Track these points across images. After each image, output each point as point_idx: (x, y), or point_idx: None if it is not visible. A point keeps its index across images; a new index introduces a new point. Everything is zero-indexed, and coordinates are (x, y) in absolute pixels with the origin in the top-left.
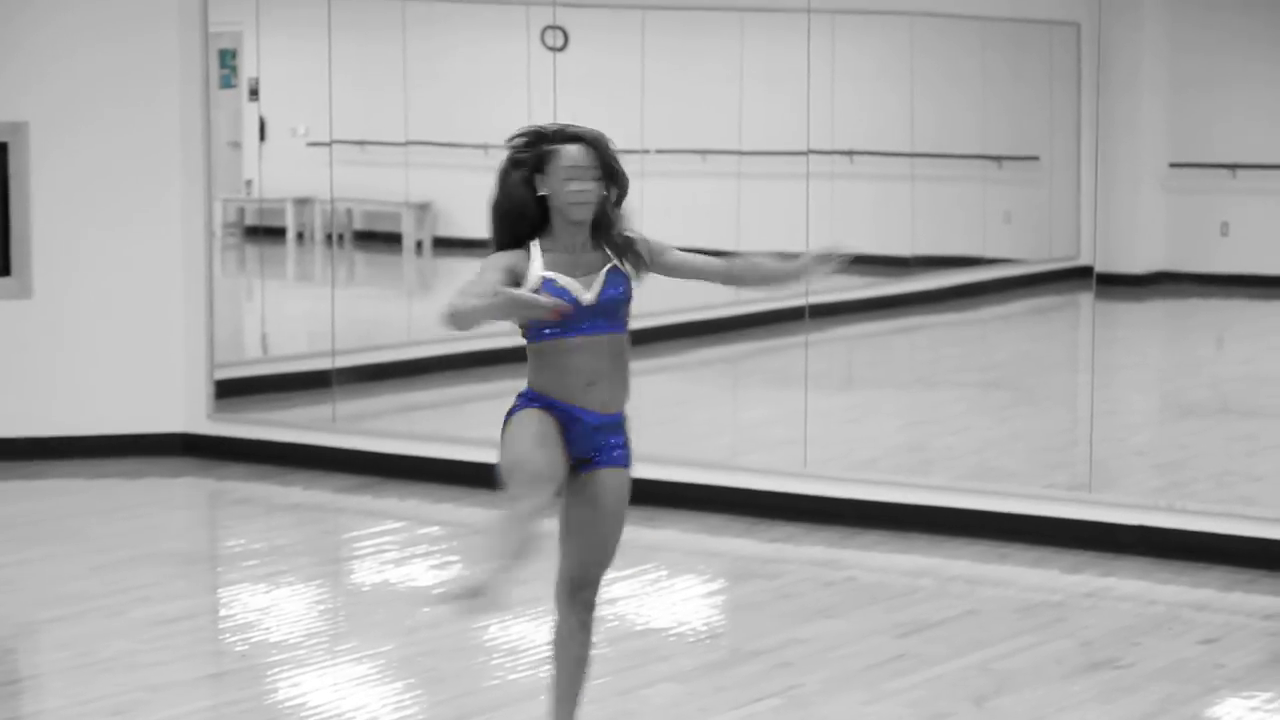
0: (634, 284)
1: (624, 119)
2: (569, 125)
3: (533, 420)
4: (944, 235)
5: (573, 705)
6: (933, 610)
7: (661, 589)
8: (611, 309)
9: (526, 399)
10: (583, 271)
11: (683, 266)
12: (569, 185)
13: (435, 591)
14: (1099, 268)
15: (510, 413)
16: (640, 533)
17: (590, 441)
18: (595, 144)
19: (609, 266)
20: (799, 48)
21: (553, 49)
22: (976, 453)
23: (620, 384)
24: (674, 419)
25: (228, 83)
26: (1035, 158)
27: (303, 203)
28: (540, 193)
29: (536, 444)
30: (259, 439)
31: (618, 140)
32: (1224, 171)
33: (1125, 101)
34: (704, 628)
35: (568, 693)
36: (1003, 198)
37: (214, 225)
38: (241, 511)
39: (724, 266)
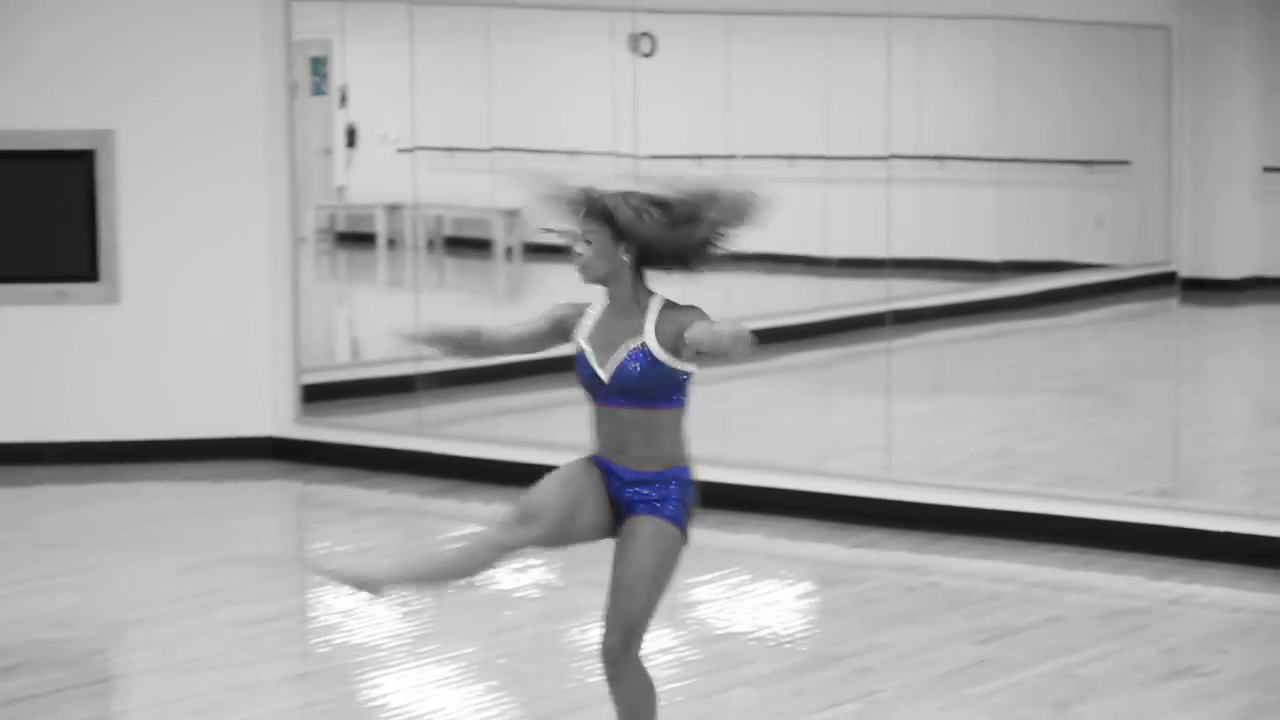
0: (678, 360)
1: (709, 125)
2: (589, 189)
3: (573, 465)
4: (1033, 240)
5: None
6: (1015, 616)
7: (743, 593)
8: (630, 387)
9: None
10: (617, 339)
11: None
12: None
13: (320, 562)
14: (1191, 273)
15: None
16: (722, 537)
17: (626, 492)
18: (587, 204)
19: (637, 342)
20: (883, 54)
21: (642, 55)
22: (1062, 458)
23: (653, 450)
24: (758, 424)
25: (319, 90)
26: (1126, 162)
27: (393, 209)
28: None
29: (559, 484)
30: (345, 443)
31: (703, 146)
32: None
33: (1218, 105)
34: (784, 632)
35: None
36: (1094, 203)
37: (306, 231)
38: (327, 514)
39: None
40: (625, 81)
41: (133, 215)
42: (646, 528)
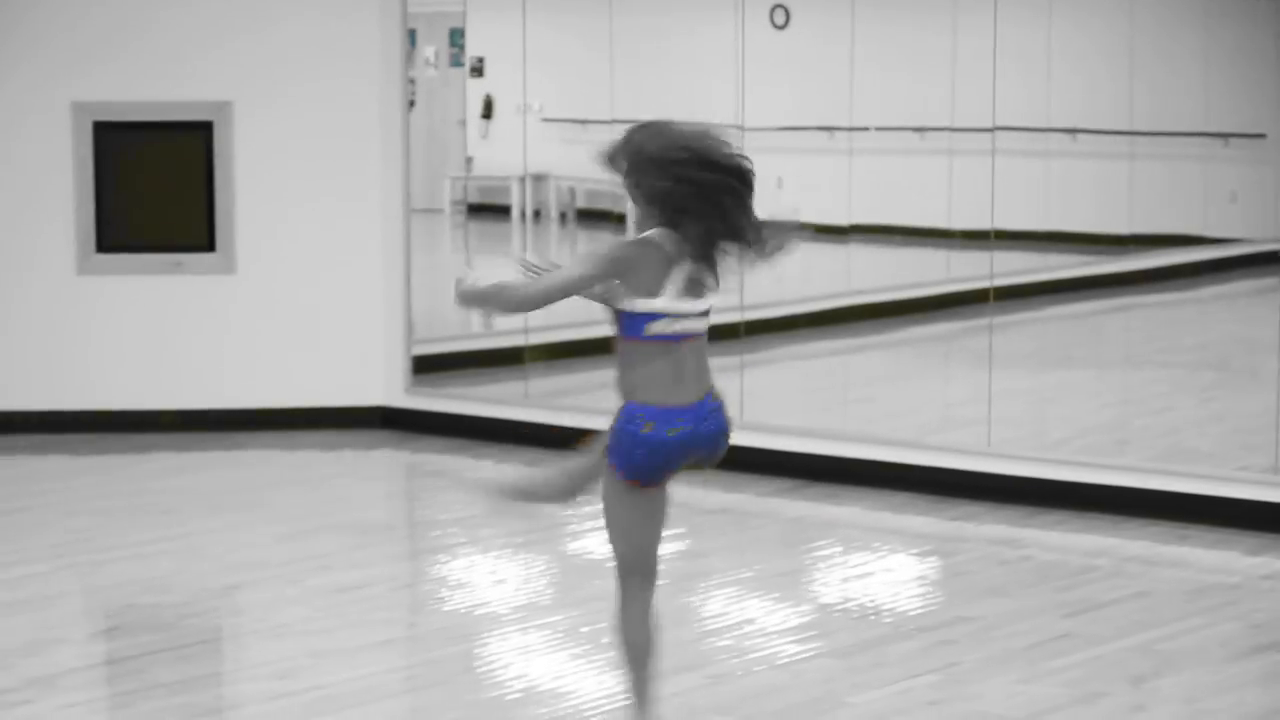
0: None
1: (836, 96)
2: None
3: None
4: (1164, 214)
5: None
6: (1103, 591)
7: (834, 564)
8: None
9: None
10: None
11: None
12: None
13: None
14: None
15: None
16: (822, 509)
17: None
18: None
19: None
20: (1013, 24)
21: (776, 27)
22: (1173, 434)
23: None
24: (875, 397)
25: (457, 62)
26: (1263, 135)
27: (531, 179)
28: None
29: None
30: (454, 413)
31: (826, 118)
32: None
33: None
34: (870, 604)
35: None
36: (1228, 176)
37: (443, 202)
38: (433, 484)
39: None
40: (755, 54)
41: (249, 187)
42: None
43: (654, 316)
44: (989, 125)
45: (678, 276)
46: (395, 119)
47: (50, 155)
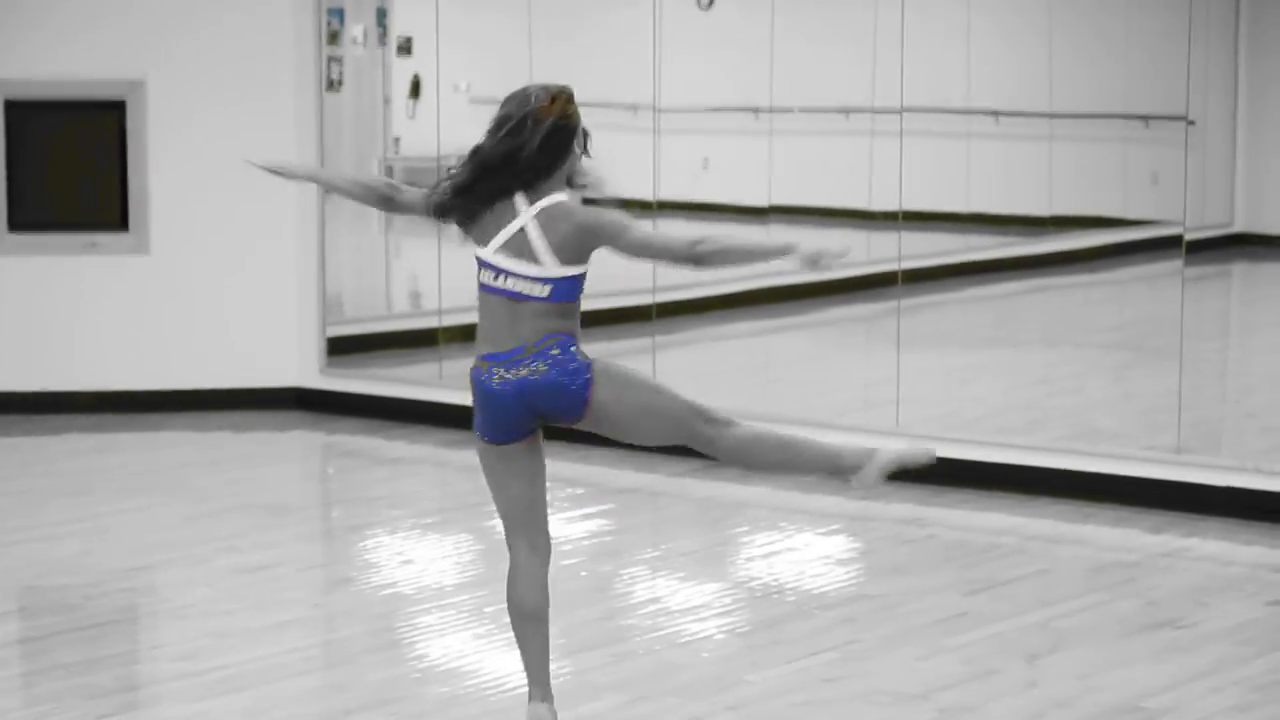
0: None
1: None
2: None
3: None
4: (1085, 195)
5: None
6: (1005, 569)
7: (742, 544)
8: None
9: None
10: None
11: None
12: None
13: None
14: (1247, 228)
15: (602, 361)
16: (731, 489)
17: None
18: None
19: None
20: (934, 6)
21: (702, 8)
22: (1084, 413)
23: None
24: (786, 379)
25: (383, 40)
26: (1184, 118)
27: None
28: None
29: None
30: (369, 394)
31: (749, 99)
32: None
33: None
34: (774, 582)
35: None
36: (1149, 158)
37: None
38: (343, 464)
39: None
40: (675, 35)
41: (163, 166)
42: None
43: None
44: (898, 107)
45: None
46: (310, 98)
47: None
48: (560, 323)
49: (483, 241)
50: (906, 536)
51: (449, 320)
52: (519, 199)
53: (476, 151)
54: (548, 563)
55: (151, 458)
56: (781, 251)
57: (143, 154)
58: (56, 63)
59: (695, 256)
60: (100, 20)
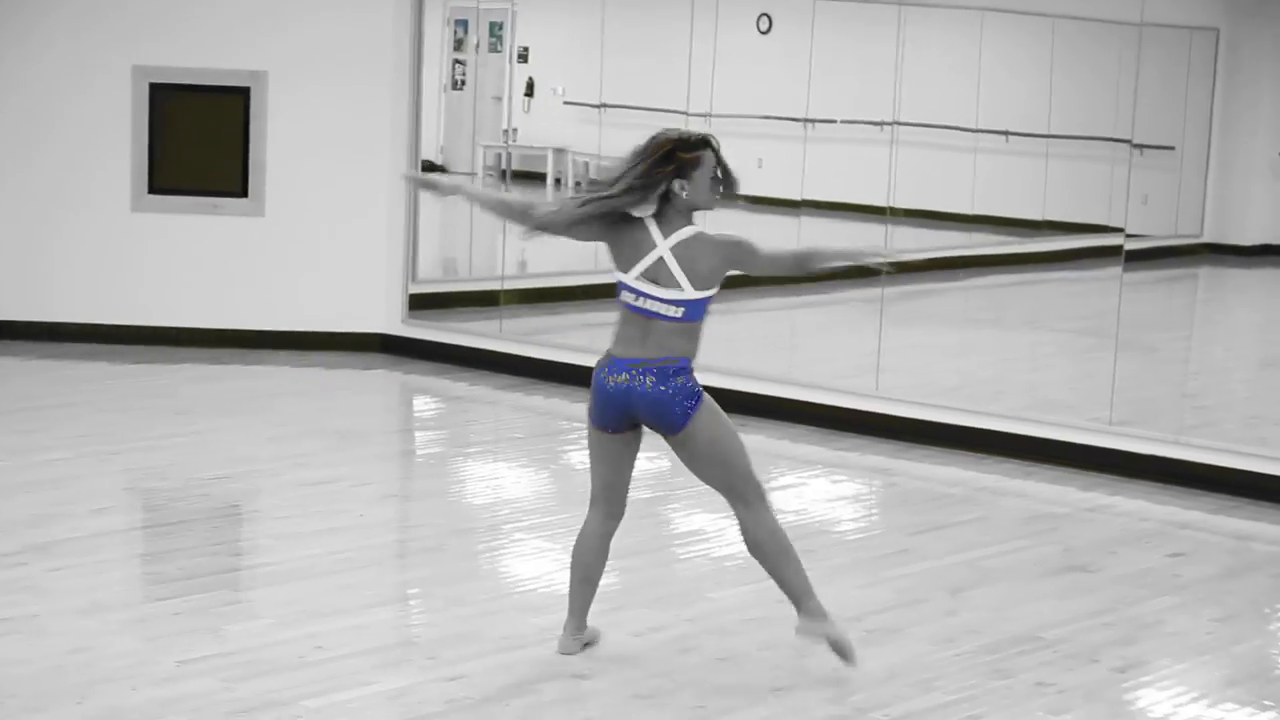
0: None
1: (804, 92)
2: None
3: None
4: (1082, 209)
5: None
6: (950, 514)
7: None
8: None
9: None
10: None
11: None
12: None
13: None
14: (1213, 239)
15: (710, 399)
16: None
17: None
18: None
19: None
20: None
21: (761, 32)
22: (1045, 387)
23: None
24: (805, 345)
25: (494, 48)
26: (1171, 147)
27: (555, 152)
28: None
29: None
30: (442, 341)
31: (795, 110)
32: None
33: (1245, 96)
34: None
35: None
36: (1141, 181)
37: (476, 167)
38: (416, 400)
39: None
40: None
41: (279, 143)
42: None
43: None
44: (891, 120)
45: None
46: (404, 93)
47: (112, 110)
48: (683, 342)
49: (624, 268)
50: (872, 483)
51: (509, 285)
52: (652, 228)
53: (607, 183)
54: (616, 528)
55: (250, 386)
56: (867, 255)
57: (262, 133)
58: (194, 54)
59: (808, 269)
60: (232, 19)
